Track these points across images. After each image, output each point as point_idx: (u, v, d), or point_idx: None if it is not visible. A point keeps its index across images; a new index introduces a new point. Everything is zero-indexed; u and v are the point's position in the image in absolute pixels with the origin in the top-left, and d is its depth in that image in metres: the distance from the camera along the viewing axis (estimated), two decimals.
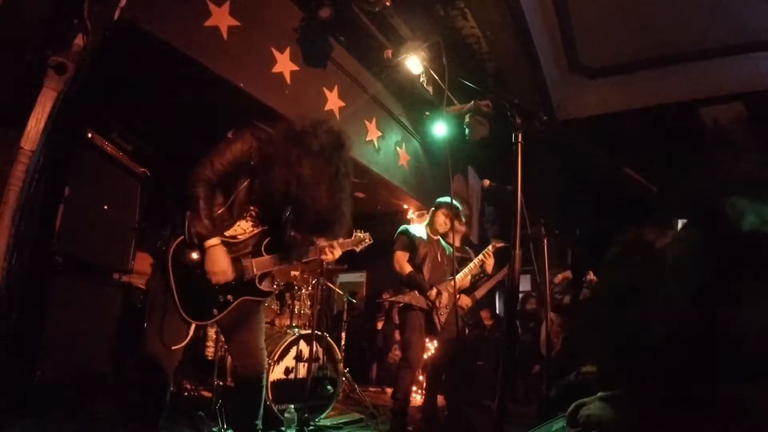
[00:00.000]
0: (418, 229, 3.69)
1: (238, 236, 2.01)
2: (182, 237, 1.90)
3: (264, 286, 2.08)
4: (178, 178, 2.00)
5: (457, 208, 3.60)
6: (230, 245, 1.97)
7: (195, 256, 1.91)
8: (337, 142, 1.95)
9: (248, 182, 1.97)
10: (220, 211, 1.96)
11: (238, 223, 2.00)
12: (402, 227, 3.69)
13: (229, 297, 1.97)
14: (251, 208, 2.02)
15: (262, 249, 2.05)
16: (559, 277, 3.73)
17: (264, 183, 1.91)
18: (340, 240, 2.26)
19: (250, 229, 2.03)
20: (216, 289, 1.94)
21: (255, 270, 2.02)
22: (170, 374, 1.95)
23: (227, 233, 1.98)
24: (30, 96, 2.14)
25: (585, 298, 3.61)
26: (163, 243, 1.92)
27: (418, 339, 3.41)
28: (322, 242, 2.22)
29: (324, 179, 1.88)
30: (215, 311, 1.95)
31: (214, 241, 1.89)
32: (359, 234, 2.43)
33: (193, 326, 1.92)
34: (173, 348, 1.88)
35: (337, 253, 2.24)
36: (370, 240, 2.45)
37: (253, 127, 2.06)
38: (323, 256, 2.21)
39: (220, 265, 1.89)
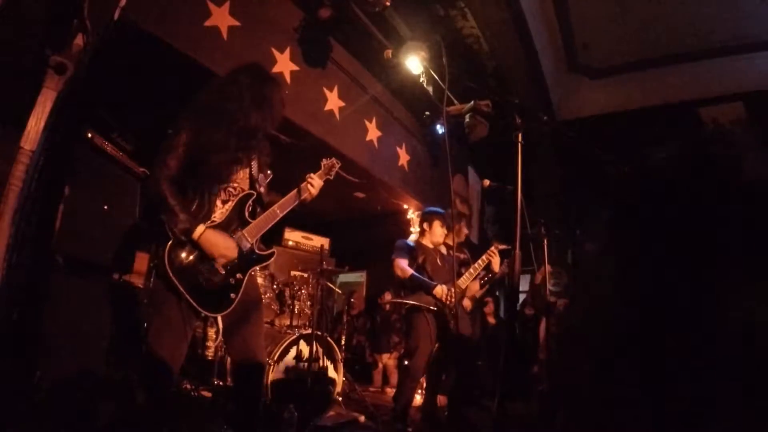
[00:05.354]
0: (414, 240, 3.73)
1: (219, 218, 1.99)
2: (170, 241, 1.87)
3: (263, 250, 2.11)
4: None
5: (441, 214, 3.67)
6: (216, 228, 1.95)
7: (189, 252, 1.89)
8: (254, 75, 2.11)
9: (206, 163, 1.94)
10: (194, 207, 1.94)
11: (214, 209, 1.99)
12: (399, 240, 3.68)
13: (239, 275, 1.98)
14: (220, 186, 2.01)
15: (246, 217, 2.05)
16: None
17: (212, 148, 1.94)
18: (313, 174, 2.24)
19: (227, 207, 2.02)
20: (224, 274, 1.94)
21: (250, 239, 2.03)
22: (173, 377, 1.94)
23: (207, 221, 1.96)
24: (30, 96, 2.13)
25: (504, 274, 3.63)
26: (153, 256, 1.92)
27: (425, 345, 3.27)
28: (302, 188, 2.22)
29: (256, 108, 2.01)
30: (232, 295, 1.95)
31: (200, 229, 1.87)
32: (325, 161, 2.35)
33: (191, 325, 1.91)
34: (178, 352, 1.88)
35: (317, 184, 2.21)
36: (338, 162, 2.38)
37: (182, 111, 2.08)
38: (305, 194, 2.18)
39: (220, 245, 1.90)
